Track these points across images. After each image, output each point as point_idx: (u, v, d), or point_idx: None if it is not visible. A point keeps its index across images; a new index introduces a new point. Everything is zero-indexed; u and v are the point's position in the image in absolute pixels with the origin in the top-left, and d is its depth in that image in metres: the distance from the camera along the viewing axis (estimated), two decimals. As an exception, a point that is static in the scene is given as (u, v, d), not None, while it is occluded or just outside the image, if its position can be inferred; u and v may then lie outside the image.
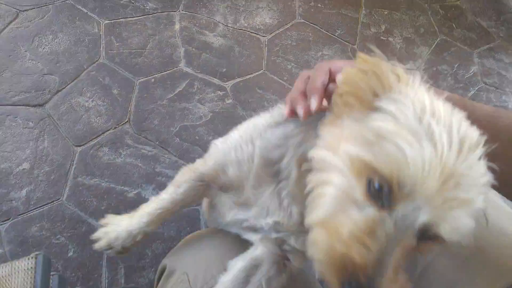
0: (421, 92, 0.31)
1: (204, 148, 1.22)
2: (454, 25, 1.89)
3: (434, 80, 1.64)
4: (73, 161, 1.11)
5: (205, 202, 0.65)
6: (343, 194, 0.30)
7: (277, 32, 1.61)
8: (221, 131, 1.26)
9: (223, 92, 1.37)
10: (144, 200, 1.07)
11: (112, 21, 1.45)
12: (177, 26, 1.51)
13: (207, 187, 0.52)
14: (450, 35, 1.84)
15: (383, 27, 1.78)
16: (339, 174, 0.30)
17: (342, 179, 0.30)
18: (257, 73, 1.46)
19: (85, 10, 1.46)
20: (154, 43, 1.44)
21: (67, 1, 1.46)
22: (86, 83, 1.27)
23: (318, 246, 0.29)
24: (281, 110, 0.47)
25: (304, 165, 0.37)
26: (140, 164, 1.13)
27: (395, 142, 0.27)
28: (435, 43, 1.80)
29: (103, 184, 1.08)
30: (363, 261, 0.26)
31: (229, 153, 0.48)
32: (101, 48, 1.37)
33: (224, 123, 1.28)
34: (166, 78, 1.36)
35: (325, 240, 0.28)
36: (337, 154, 0.30)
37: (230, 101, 1.36)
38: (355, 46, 1.65)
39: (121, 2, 1.53)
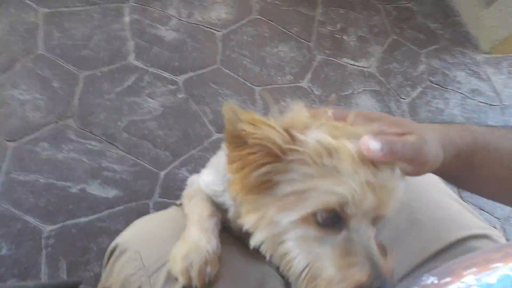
0: (314, 135, 0.33)
1: (153, 143, 1.20)
2: (405, 26, 2.02)
3: (386, 77, 1.74)
4: (4, 157, 1.04)
5: None
6: (303, 242, 0.34)
7: (233, 27, 1.63)
8: (173, 126, 1.25)
9: (175, 87, 1.37)
10: (90, 195, 1.04)
11: (53, 10, 1.40)
12: (126, 19, 1.48)
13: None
14: (401, 35, 1.97)
15: (338, 26, 1.86)
16: (290, 231, 0.34)
17: (294, 233, 0.34)
18: (211, 68, 1.46)
19: (23, -2, 1.39)
20: (101, 36, 1.40)
21: (1, -13, 1.38)
22: (21, 76, 1.21)
23: None
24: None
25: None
26: (84, 159, 1.09)
27: (319, 187, 0.32)
28: (387, 42, 1.91)
29: (41, 180, 1.03)
30: (366, 278, 0.30)
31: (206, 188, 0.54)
32: (39, 39, 1.31)
33: (175, 117, 1.28)
34: (114, 72, 1.33)
35: None
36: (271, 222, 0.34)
37: (182, 95, 1.35)
38: (311, 44, 1.72)
39: (64, -10, 1.47)
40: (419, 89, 1.78)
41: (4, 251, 0.93)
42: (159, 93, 1.33)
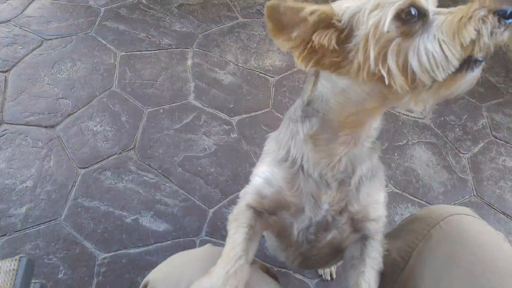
0: None
1: (205, 180, 1.32)
2: (462, 79, 2.05)
3: (442, 130, 1.75)
4: (75, 182, 1.21)
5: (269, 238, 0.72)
6: (411, 38, 0.40)
7: (285, 74, 1.78)
8: (224, 164, 1.37)
9: (229, 127, 1.50)
10: (142, 227, 1.15)
11: (128, 53, 1.65)
12: (189, 62, 1.70)
13: (258, 217, 0.56)
14: (458, 87, 2.00)
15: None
16: (395, 38, 0.40)
17: (400, 39, 0.40)
18: (263, 111, 1.60)
19: (104, 42, 1.66)
20: (165, 76, 1.61)
21: (89, 33, 1.67)
22: (97, 109, 1.42)
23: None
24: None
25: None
26: (140, 191, 1.23)
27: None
28: (443, 94, 1.94)
29: (102, 207, 1.17)
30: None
31: (257, 182, 0.57)
32: (115, 77, 1.54)
33: (227, 156, 1.40)
34: (175, 110, 1.50)
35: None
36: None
37: (235, 135, 1.48)
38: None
39: (139, 36, 1.74)
40: (481, 144, 1.76)
41: (61, 275, 1.05)
42: (214, 132, 1.47)
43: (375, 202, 0.54)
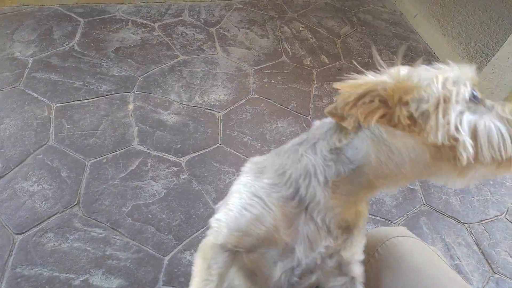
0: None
1: (157, 227, 1.31)
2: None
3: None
4: (12, 250, 1.15)
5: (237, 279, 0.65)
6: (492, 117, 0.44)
7: (232, 107, 1.85)
8: (176, 208, 1.38)
9: (178, 168, 1.52)
10: (92, 287, 1.11)
11: (64, 104, 1.63)
12: (130, 106, 1.71)
13: (233, 259, 0.56)
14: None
15: (335, 99, 2.09)
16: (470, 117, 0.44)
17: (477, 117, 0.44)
18: (212, 147, 1.64)
19: (35, 95, 1.64)
20: (106, 124, 1.61)
21: (16, 87, 1.64)
22: (32, 167, 1.38)
23: None
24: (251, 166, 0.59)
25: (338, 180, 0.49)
26: (89, 248, 1.19)
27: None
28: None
29: (45, 273, 1.12)
30: None
31: (241, 216, 0.53)
32: (50, 131, 1.51)
33: (178, 199, 1.40)
34: (119, 158, 1.50)
35: None
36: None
37: (185, 176, 1.50)
38: (309, 117, 1.92)
39: (75, 85, 1.73)
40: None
41: None
42: (162, 175, 1.48)
43: (362, 246, 0.57)
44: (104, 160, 1.47)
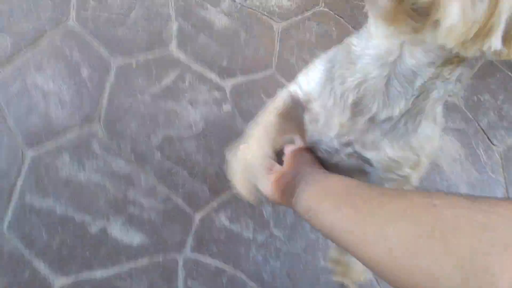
0: None
1: (190, 171, 1.14)
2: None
3: (474, 113, 1.57)
4: (21, 169, 0.98)
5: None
6: None
7: (295, 19, 1.48)
8: (214, 150, 1.19)
9: (221, 93, 1.27)
10: (110, 239, 1.00)
11: (88, -35, 1.23)
12: (172, -10, 1.33)
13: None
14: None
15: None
16: None
17: None
18: (264, 73, 1.35)
19: None
20: (140, 10, 1.25)
21: None
22: (47, 55, 1.10)
23: None
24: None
25: None
26: (108, 186, 1.04)
27: None
28: (479, 64, 1.76)
29: (58, 209, 0.98)
30: None
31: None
32: (71, 5, 1.17)
33: (218, 137, 1.20)
34: (152, 63, 1.22)
35: None
36: None
37: (228, 107, 1.26)
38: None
39: None
40: (517, 134, 1.63)
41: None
42: (202, 100, 1.24)
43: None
44: (134, 64, 1.19)
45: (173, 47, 1.26)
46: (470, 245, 0.28)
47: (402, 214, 0.34)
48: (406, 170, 0.51)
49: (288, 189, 0.57)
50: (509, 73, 1.75)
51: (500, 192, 1.44)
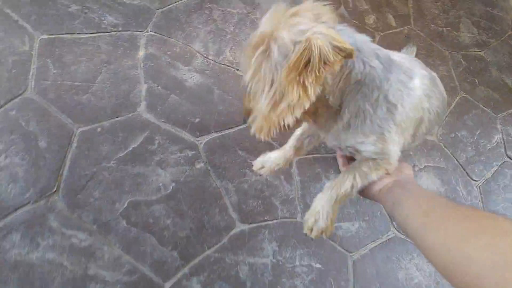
0: None
1: (159, 237, 1.02)
2: (477, 81, 1.82)
3: (454, 149, 1.54)
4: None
5: None
6: None
7: (271, 72, 1.44)
8: (185, 212, 1.07)
9: (193, 152, 1.19)
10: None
11: (53, 36, 1.23)
12: (141, 53, 1.31)
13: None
14: (472, 93, 1.77)
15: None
16: None
17: None
18: (240, 127, 1.28)
19: (15, 17, 1.23)
20: (107, 74, 1.23)
21: (-9, 3, 1.22)
22: (1, 128, 1.04)
23: None
24: None
25: None
26: (66, 263, 0.91)
27: None
28: (456, 101, 1.72)
29: (5, 293, 0.86)
30: None
31: None
32: (31, 76, 1.14)
33: (190, 198, 1.09)
34: (118, 128, 1.15)
35: None
36: None
37: (201, 165, 1.17)
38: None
39: (70, 9, 1.31)
40: (495, 168, 1.58)
41: None
42: (173, 161, 1.15)
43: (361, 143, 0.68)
44: (99, 129, 1.13)
45: (141, 109, 1.21)
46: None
47: (466, 216, 0.45)
48: (373, 148, 0.67)
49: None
50: (485, 108, 1.71)
51: None
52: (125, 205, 1.03)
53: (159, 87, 1.26)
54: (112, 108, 1.17)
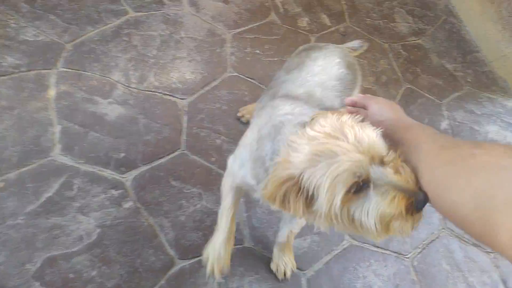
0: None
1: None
2: (419, 70, 1.82)
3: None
4: None
5: None
6: (359, 209, 0.54)
7: (202, 92, 1.37)
8: (113, 259, 0.95)
9: (120, 191, 1.07)
10: None
11: None
12: (51, 92, 1.21)
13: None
14: (415, 82, 1.76)
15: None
16: (343, 209, 0.55)
17: (349, 208, 0.55)
18: (171, 155, 1.18)
19: None
20: (10, 121, 1.11)
21: None
22: None
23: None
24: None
25: None
26: None
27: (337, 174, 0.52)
28: (400, 93, 1.69)
29: None
30: (407, 201, 0.51)
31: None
32: None
33: (118, 243, 0.98)
34: (27, 178, 1.03)
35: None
36: None
37: (130, 204, 1.06)
38: (305, 105, 1.47)
39: (-35, 56, 1.19)
40: (447, 156, 1.54)
41: None
42: (96, 204, 1.03)
43: None
44: (2, 184, 1.00)
45: (55, 153, 1.09)
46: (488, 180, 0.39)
47: (449, 161, 0.47)
48: None
49: None
50: (429, 96, 1.70)
51: (434, 224, 1.27)
52: (38, 264, 0.90)
53: (76, 126, 1.15)
54: (19, 157, 1.05)
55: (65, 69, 1.26)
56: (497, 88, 1.90)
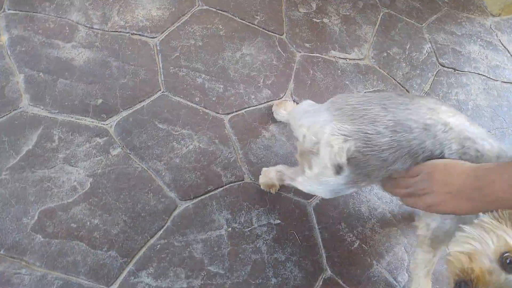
0: None
1: (88, 241, 0.98)
2: (395, -7, 1.96)
3: (389, 69, 1.65)
4: None
5: None
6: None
7: (172, 28, 1.42)
8: (113, 206, 1.04)
9: (105, 139, 1.14)
10: None
11: None
12: (3, 37, 1.21)
13: None
14: (393, 6, 1.90)
15: (314, 5, 1.73)
16: None
17: None
18: (152, 98, 1.25)
19: None
20: (-34, 73, 1.12)
21: None
22: None
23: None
24: None
25: None
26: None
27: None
28: (379, 19, 1.83)
29: None
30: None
31: None
32: None
33: (114, 190, 1.06)
34: (0, 132, 1.06)
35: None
36: None
37: (118, 150, 1.13)
38: (283, 37, 1.57)
39: None
40: (431, 78, 1.73)
41: None
42: (82, 154, 1.09)
43: None
44: (-25, 141, 1.03)
45: (25, 104, 1.12)
46: None
47: None
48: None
49: None
50: (409, 20, 1.87)
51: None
52: (36, 217, 0.97)
53: (41, 74, 1.18)
54: (-14, 111, 1.07)
55: (12, 11, 1.26)
56: (474, 7, 2.09)
